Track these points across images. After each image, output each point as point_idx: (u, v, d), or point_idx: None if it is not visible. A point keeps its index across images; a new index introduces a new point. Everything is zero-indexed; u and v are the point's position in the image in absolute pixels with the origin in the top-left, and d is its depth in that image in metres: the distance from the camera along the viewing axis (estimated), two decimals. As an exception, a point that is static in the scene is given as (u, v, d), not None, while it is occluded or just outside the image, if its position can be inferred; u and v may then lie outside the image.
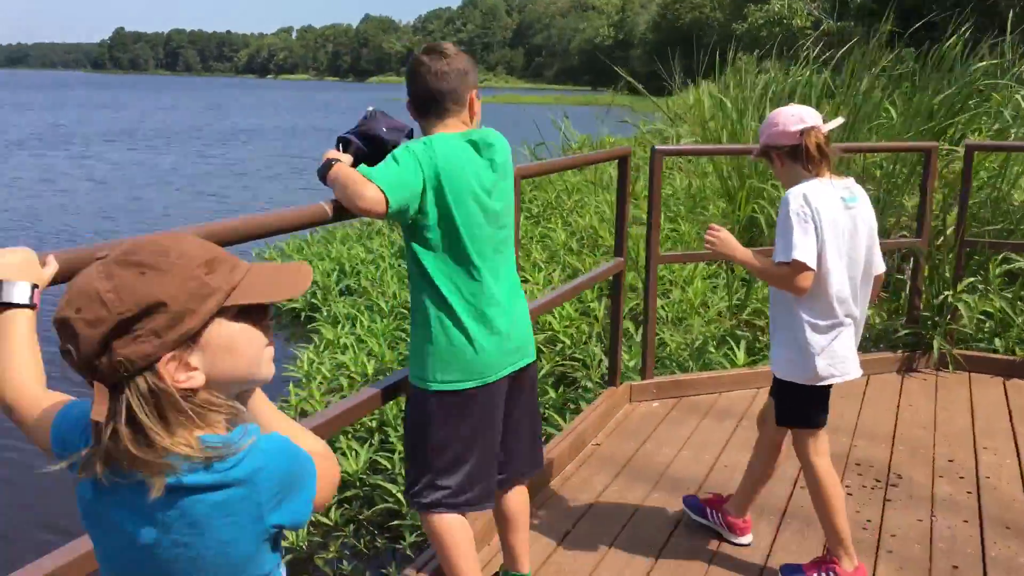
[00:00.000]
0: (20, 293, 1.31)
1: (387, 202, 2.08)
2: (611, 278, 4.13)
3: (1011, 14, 11.83)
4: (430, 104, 2.22)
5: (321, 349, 6.02)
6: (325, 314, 7.07)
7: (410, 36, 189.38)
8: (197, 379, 1.06)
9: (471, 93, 2.25)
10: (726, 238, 2.65)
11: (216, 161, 24.17)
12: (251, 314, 1.11)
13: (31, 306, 1.32)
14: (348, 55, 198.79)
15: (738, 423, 4.12)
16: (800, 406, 2.69)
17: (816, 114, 2.58)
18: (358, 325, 6.34)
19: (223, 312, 1.07)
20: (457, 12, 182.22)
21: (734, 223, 7.07)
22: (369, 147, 2.28)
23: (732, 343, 4.99)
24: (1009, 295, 5.10)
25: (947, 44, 7.98)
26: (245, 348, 1.11)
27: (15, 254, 1.37)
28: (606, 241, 7.52)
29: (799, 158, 2.55)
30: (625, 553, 2.99)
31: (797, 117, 2.55)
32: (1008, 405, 4.35)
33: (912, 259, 4.92)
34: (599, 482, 3.50)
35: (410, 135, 2.34)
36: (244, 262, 1.13)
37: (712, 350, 4.98)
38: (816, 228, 2.46)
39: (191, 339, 1.05)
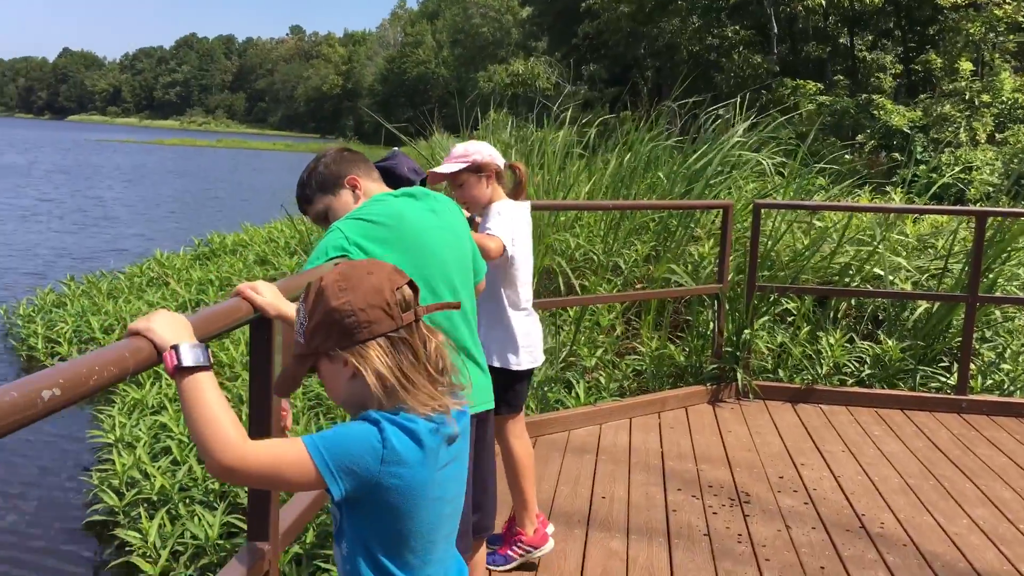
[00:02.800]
0: (202, 355, 1.32)
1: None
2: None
3: (725, 85, 13.65)
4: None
5: (126, 411, 5.54)
6: (114, 373, 6.47)
7: (116, 74, 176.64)
8: None
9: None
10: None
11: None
12: None
13: (209, 366, 1.32)
14: (44, 91, 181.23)
15: (596, 457, 4.41)
16: (508, 391, 3.17)
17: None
18: (163, 383, 5.91)
19: None
20: (170, 52, 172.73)
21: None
22: (387, 180, 2.42)
23: (574, 382, 5.31)
24: (788, 332, 5.90)
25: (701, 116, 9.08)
26: None
27: (175, 321, 1.37)
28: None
29: (500, 179, 3.17)
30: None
31: (494, 151, 3.15)
32: (804, 426, 5.03)
33: (715, 301, 5.55)
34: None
35: (424, 181, 2.44)
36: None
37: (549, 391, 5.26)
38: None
39: None
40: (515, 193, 3.23)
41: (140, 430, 5.13)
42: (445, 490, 1.43)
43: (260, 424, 1.83)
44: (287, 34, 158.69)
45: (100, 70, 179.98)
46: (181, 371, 1.30)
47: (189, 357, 1.30)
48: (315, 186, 2.39)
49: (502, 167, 3.14)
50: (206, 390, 1.30)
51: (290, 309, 1.77)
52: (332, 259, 2.12)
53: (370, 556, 1.39)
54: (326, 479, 1.29)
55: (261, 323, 1.78)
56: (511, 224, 3.02)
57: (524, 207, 3.20)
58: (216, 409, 1.28)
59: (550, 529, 3.41)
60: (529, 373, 3.28)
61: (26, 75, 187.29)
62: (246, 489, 4.29)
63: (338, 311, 1.37)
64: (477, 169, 3.07)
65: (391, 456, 1.31)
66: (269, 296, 1.75)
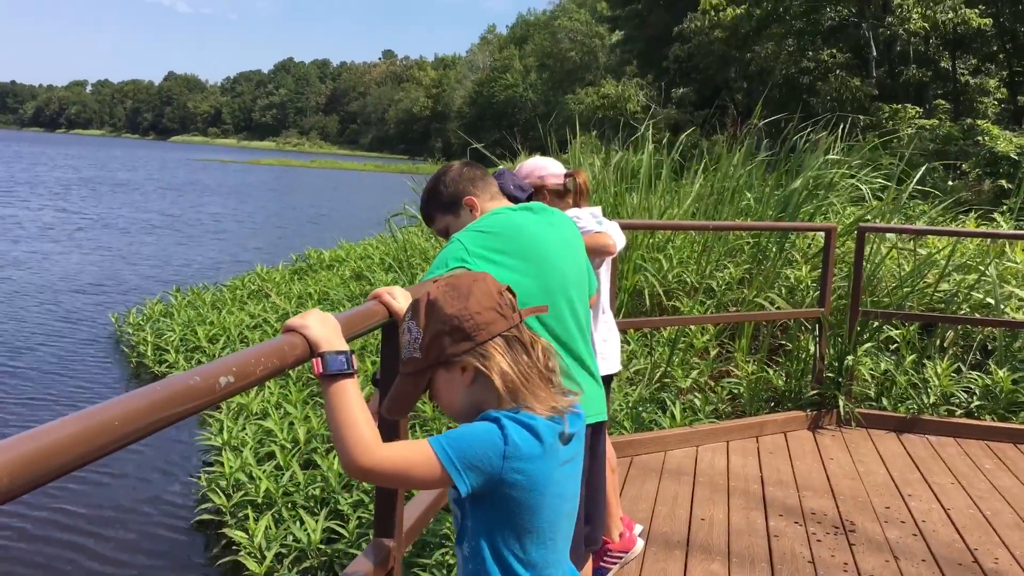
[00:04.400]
0: (346, 363, 1.40)
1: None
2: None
3: (821, 109, 13.36)
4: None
5: (232, 416, 5.75)
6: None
7: (217, 96, 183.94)
8: None
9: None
10: None
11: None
12: None
13: (353, 372, 1.39)
14: (149, 112, 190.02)
15: (694, 479, 4.36)
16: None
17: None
18: (266, 391, 6.10)
19: None
20: (268, 75, 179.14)
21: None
22: None
23: (669, 403, 5.28)
24: (891, 359, 5.74)
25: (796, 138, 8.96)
26: None
27: (326, 321, 1.45)
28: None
29: (565, 194, 3.21)
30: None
31: (557, 165, 3.21)
32: (911, 457, 4.87)
33: (816, 326, 5.44)
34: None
35: (531, 196, 2.47)
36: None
37: (643, 412, 5.24)
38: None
39: None
40: (577, 200, 3.25)
41: (246, 434, 5.32)
42: (564, 487, 1.47)
43: (390, 426, 1.89)
44: (379, 58, 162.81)
45: (202, 93, 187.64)
46: (326, 377, 1.38)
47: (334, 365, 1.38)
48: (435, 205, 2.47)
49: (562, 179, 3.20)
50: (348, 396, 1.37)
51: None
52: (452, 269, 2.18)
53: (495, 552, 1.43)
54: (452, 476, 1.34)
55: (393, 327, 1.85)
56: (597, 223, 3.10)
57: (595, 211, 3.23)
58: (356, 413, 1.36)
59: (637, 530, 3.40)
60: (607, 380, 3.28)
61: (134, 97, 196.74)
62: (369, 490, 4.40)
63: (456, 316, 1.43)
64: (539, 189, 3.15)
65: (513, 451, 1.36)
66: (403, 301, 1.81)
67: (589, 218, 3.09)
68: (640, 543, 3.34)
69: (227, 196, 34.05)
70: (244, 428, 5.44)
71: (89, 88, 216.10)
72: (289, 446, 5.10)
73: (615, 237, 3.16)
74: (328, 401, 1.38)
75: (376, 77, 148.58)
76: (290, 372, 6.48)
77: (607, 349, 3.26)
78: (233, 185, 42.05)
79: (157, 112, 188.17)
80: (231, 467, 4.83)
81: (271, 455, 5.11)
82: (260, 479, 4.63)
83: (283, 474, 4.78)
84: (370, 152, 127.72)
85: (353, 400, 1.37)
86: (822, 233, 6.14)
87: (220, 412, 5.88)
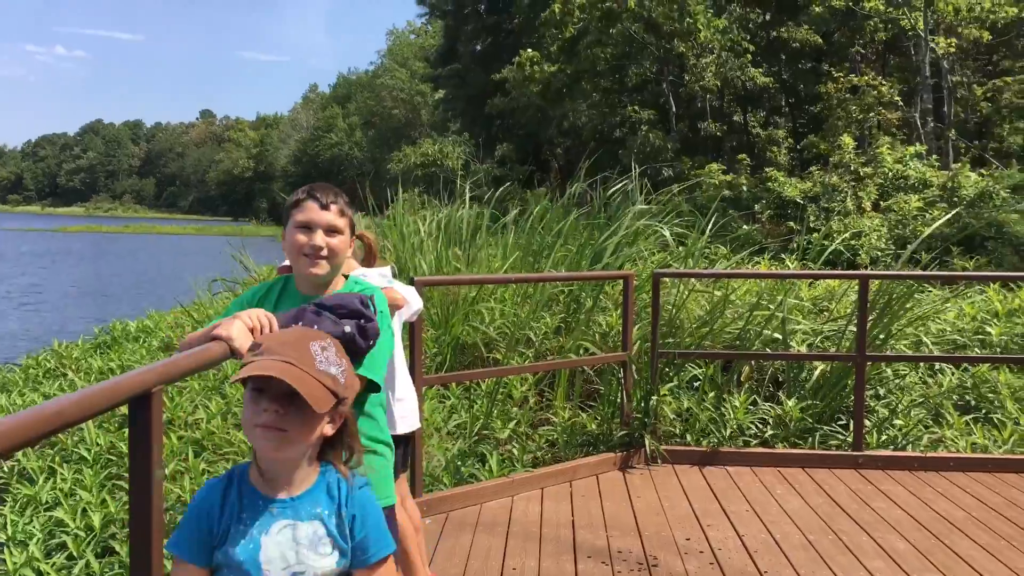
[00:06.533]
0: None
1: None
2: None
3: (630, 162, 14.12)
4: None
5: (19, 509, 5.28)
6: (6, 470, 6.18)
7: (18, 161, 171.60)
8: None
9: None
10: None
11: None
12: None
13: None
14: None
15: (508, 529, 4.41)
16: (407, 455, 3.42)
17: None
18: (58, 479, 5.65)
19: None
20: (75, 138, 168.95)
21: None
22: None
23: (487, 455, 5.31)
24: (695, 397, 6.06)
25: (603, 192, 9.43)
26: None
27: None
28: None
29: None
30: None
31: None
32: (711, 488, 5.14)
33: (623, 369, 5.67)
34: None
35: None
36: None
37: (462, 464, 5.25)
38: None
39: None
40: (367, 262, 3.31)
41: (34, 527, 4.89)
42: None
43: (141, 507, 1.80)
44: (197, 118, 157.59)
45: (1, 158, 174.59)
46: None
47: None
48: (350, 214, 2.35)
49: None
50: None
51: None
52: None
53: None
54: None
55: (141, 401, 1.77)
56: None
57: (384, 271, 3.30)
58: None
59: None
60: (408, 438, 3.38)
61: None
62: None
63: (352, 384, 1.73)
64: None
65: None
66: (242, 339, 1.92)
67: (376, 276, 3.12)
68: None
69: (36, 265, 31.71)
70: (31, 520, 5.01)
71: None
72: (83, 534, 4.74)
73: (407, 296, 3.21)
74: None
75: (194, 138, 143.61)
76: (87, 455, 6.05)
77: (404, 408, 3.28)
78: (41, 253, 39.27)
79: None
80: (15, 563, 4.42)
81: (63, 546, 4.72)
82: (48, 573, 4.27)
83: (76, 565, 4.42)
84: (191, 215, 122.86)
85: None
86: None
87: (4, 507, 5.39)
